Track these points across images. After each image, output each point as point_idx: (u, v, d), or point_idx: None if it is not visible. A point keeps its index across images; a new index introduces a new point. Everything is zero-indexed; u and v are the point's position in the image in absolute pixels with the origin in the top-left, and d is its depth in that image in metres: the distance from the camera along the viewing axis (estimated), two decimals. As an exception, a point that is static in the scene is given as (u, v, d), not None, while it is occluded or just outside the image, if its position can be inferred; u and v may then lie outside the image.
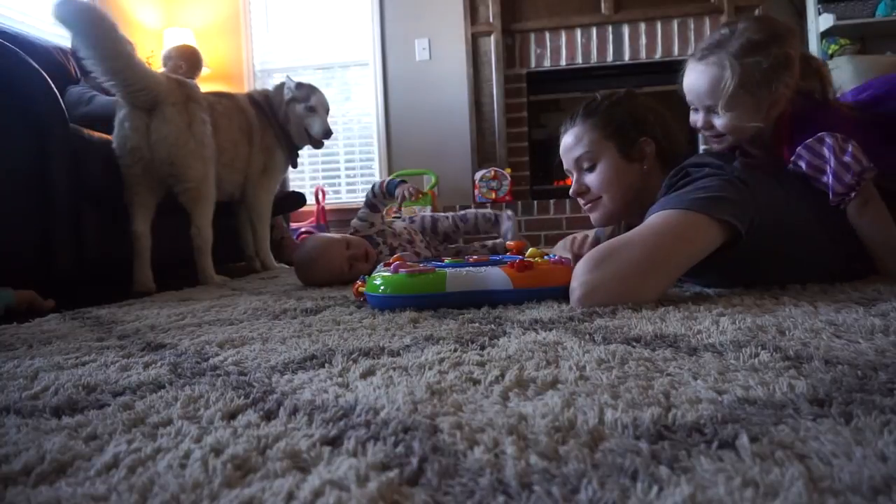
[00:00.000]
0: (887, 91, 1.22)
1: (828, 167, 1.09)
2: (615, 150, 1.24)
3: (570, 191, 1.31)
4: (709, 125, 1.19)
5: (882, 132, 1.16)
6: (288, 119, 2.51)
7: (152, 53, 3.77)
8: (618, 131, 1.24)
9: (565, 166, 1.33)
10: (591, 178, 1.27)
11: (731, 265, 1.07)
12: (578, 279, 1.00)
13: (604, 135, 1.24)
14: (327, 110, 2.58)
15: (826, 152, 1.09)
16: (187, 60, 3.01)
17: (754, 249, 1.04)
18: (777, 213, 1.06)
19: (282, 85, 2.53)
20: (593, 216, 1.30)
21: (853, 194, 1.08)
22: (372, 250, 1.77)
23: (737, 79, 1.11)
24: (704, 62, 1.16)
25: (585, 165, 1.27)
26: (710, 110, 1.18)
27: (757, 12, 3.40)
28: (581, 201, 1.31)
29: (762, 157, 1.22)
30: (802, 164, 1.11)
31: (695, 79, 1.19)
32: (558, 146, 1.34)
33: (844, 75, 3.06)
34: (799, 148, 1.12)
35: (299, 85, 2.53)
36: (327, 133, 2.55)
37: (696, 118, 1.22)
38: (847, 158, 1.07)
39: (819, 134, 1.10)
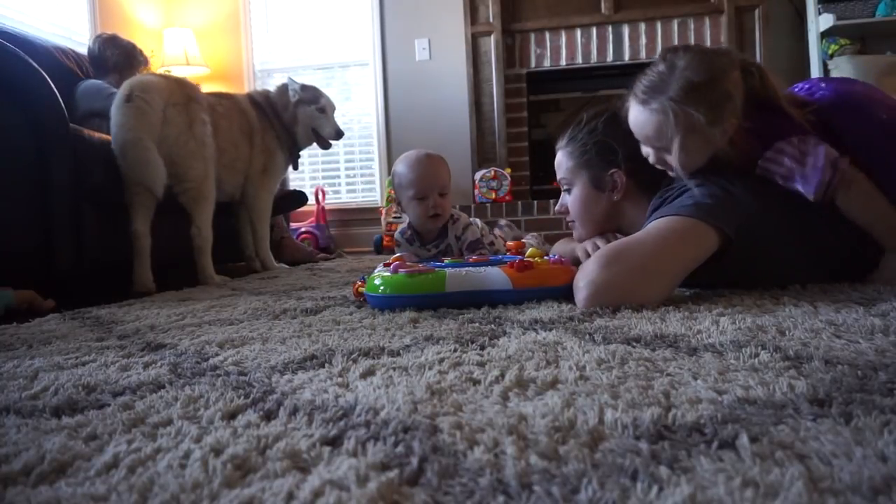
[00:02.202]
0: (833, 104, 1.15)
1: (794, 174, 1.07)
2: (587, 180, 1.29)
3: (556, 208, 1.40)
4: (662, 161, 1.16)
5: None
6: (296, 120, 2.50)
7: (152, 53, 3.76)
8: (588, 163, 1.28)
9: None
10: (569, 201, 1.34)
11: (728, 268, 1.07)
12: (586, 279, 1.00)
13: (577, 164, 1.30)
14: (334, 111, 2.59)
15: (787, 161, 1.08)
16: None
17: (748, 253, 1.05)
18: (768, 215, 1.07)
19: (284, 86, 2.52)
20: (573, 234, 1.39)
21: (832, 186, 1.06)
22: (445, 218, 1.68)
23: (681, 126, 1.07)
24: (646, 107, 1.11)
25: (565, 187, 1.35)
26: (660, 149, 1.15)
27: (757, 13, 3.40)
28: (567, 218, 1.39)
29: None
30: (770, 173, 1.11)
31: (640, 123, 1.14)
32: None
33: (844, 75, 3.06)
34: (760, 162, 1.10)
35: (304, 87, 2.52)
36: (339, 133, 2.56)
37: (647, 152, 1.18)
38: (810, 158, 1.05)
39: (776, 144, 1.09)
